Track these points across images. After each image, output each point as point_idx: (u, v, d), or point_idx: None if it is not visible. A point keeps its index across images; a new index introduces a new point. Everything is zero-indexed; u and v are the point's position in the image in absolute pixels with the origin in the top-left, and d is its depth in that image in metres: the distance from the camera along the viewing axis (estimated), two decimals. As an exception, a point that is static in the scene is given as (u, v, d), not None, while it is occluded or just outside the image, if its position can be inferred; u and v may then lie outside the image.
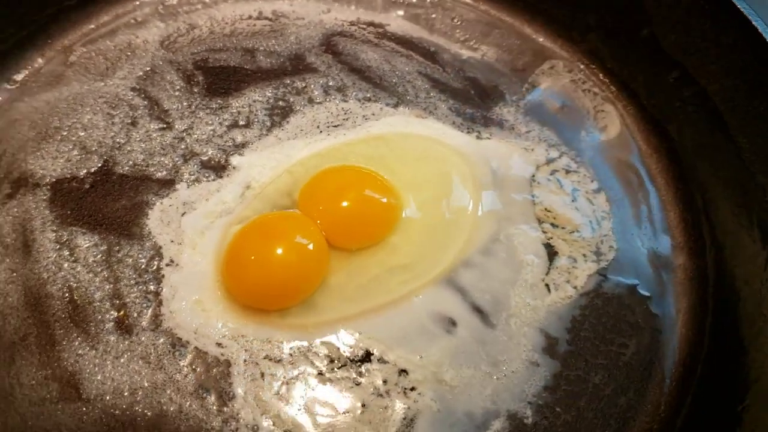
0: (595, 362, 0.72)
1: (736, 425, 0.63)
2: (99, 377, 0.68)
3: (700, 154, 0.82)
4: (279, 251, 0.73)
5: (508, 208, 0.82)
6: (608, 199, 0.83)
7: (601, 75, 0.94)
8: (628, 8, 0.89)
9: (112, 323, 0.71)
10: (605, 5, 0.92)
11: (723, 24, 0.79)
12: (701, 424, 0.67)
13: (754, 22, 0.76)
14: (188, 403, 0.67)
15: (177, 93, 0.88)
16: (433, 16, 1.00)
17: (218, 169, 0.82)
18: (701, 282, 0.77)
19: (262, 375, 0.69)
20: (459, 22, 1.00)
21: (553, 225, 0.81)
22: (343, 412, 0.68)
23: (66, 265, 0.74)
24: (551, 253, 0.79)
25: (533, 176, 0.85)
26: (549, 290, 0.76)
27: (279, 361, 0.70)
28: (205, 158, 0.83)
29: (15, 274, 0.74)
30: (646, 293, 0.77)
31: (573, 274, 0.78)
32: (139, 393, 0.68)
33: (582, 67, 0.95)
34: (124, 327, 0.71)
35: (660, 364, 0.73)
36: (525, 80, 0.94)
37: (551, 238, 0.80)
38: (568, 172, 0.85)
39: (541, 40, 0.98)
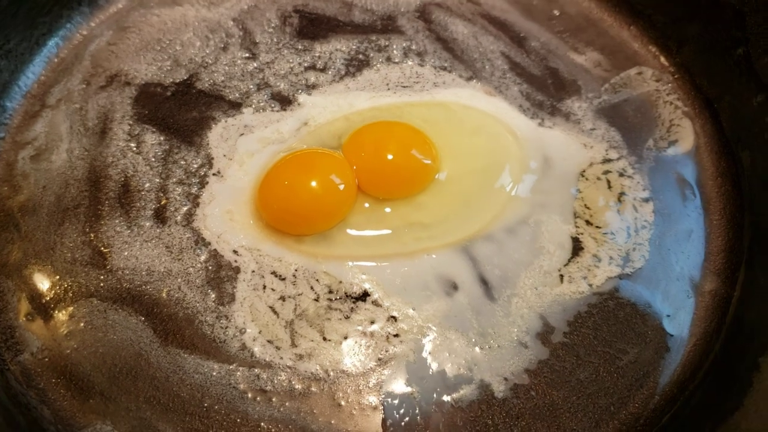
0: (586, 359, 0.71)
1: None
2: (125, 254, 0.76)
3: (765, 187, 0.77)
4: (309, 182, 0.77)
5: (547, 196, 0.82)
6: (654, 211, 0.81)
7: (687, 89, 0.90)
8: (729, 24, 0.85)
9: (152, 211, 0.79)
10: (708, 18, 0.88)
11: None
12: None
13: None
14: (192, 295, 0.73)
15: (270, 30, 0.95)
16: (534, 2, 1.00)
17: (284, 102, 0.88)
18: (723, 312, 0.73)
19: (264, 287, 0.74)
20: (558, 14, 0.99)
21: (587, 222, 0.80)
22: (326, 339, 0.71)
23: (130, 154, 0.83)
24: (577, 247, 0.78)
25: (583, 172, 0.83)
26: (562, 281, 0.75)
27: (283, 279, 0.74)
28: (276, 90, 0.89)
29: (87, 152, 0.83)
30: (664, 310, 0.73)
31: (592, 273, 0.76)
32: (154, 275, 0.75)
33: (670, 78, 0.92)
34: (161, 217, 0.78)
35: (655, 380, 0.70)
36: (607, 81, 0.92)
37: (582, 233, 0.79)
38: (621, 175, 0.83)
39: (636, 45, 0.96)
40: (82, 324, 0.71)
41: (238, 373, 0.69)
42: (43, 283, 0.74)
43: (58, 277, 0.74)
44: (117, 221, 0.78)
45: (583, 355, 0.71)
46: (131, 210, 0.79)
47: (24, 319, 0.72)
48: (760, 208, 0.78)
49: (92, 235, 0.77)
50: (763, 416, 0.61)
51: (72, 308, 0.72)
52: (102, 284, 0.74)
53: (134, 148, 0.83)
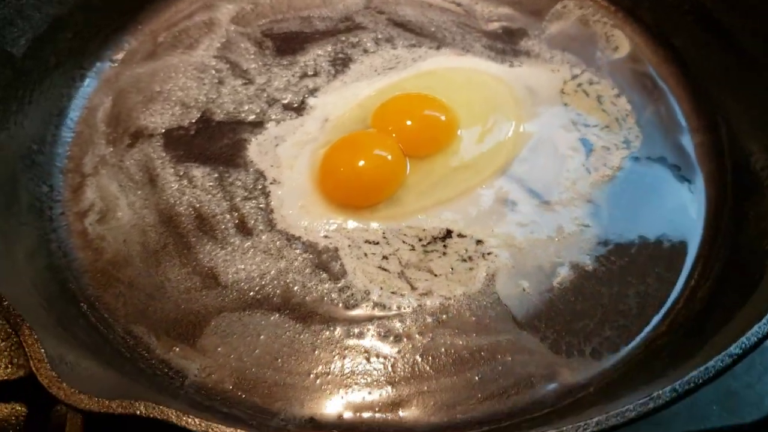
0: (637, 219, 0.87)
1: (758, 237, 0.78)
2: (232, 269, 0.83)
3: (704, 55, 0.98)
4: (366, 158, 0.89)
5: (545, 116, 0.98)
6: (629, 101, 0.99)
7: (608, 6, 1.11)
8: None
9: (234, 229, 0.87)
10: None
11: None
12: (733, 247, 0.82)
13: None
14: (309, 281, 0.82)
15: (252, 56, 1.05)
16: (457, -23, 1.17)
17: (298, 109, 0.98)
18: (718, 151, 0.92)
19: (365, 254, 0.84)
20: (480, -19, 1.16)
21: (585, 125, 0.97)
22: (437, 275, 0.83)
23: (187, 191, 0.90)
24: (587, 145, 0.94)
25: (562, 89, 1.01)
26: (590, 173, 0.92)
27: (377, 243, 0.85)
28: (285, 102, 0.99)
29: (147, 201, 0.89)
30: (674, 164, 0.92)
31: (609, 159, 0.93)
32: (267, 277, 0.83)
33: (589, 2, 1.12)
34: (245, 231, 0.86)
35: (693, 213, 0.88)
36: (543, 19, 1.10)
37: (585, 134, 0.96)
38: (591, 84, 1.01)
39: (552, -15, 1.15)
40: (225, 336, 0.78)
41: (379, 324, 0.79)
42: (170, 317, 0.80)
43: (182, 306, 0.81)
44: (208, 247, 0.85)
45: (632, 217, 0.87)
46: (215, 234, 0.86)
47: (172, 351, 0.77)
48: (703, 69, 0.99)
49: (192, 264, 0.84)
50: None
51: (210, 326, 0.79)
52: (225, 299, 0.81)
53: (188, 185, 0.91)
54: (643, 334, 0.78)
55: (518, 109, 0.98)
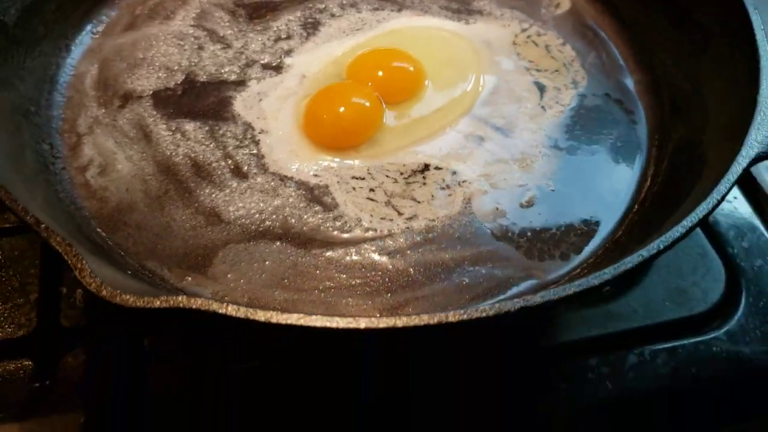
0: (590, 147, 0.99)
1: (698, 144, 0.91)
2: (233, 207, 0.91)
3: (636, 4, 1.12)
4: (346, 103, 0.98)
5: (501, 64, 1.09)
6: (573, 48, 1.12)
7: (547, -31, 1.23)
8: None
9: (230, 173, 0.94)
10: None
11: None
12: (679, 155, 0.95)
13: None
14: (305, 213, 0.90)
15: (227, 24, 1.13)
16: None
17: (277, 68, 1.06)
18: (654, 85, 1.05)
19: (353, 188, 0.93)
20: (430, -49, 1.27)
21: (537, 70, 1.08)
22: (420, 202, 0.92)
23: (181, 143, 0.97)
24: (540, 87, 1.06)
25: (514, 41, 1.12)
26: (545, 110, 1.03)
27: (363, 178, 0.94)
28: (264, 62, 1.07)
29: (144, 154, 0.96)
30: (618, 99, 1.05)
31: (560, 97, 1.05)
32: (266, 212, 0.90)
33: (531, -34, 1.24)
34: (241, 174, 0.94)
35: (638, 137, 1.00)
36: (491, -17, 1.22)
37: (538, 78, 1.07)
38: (539, 35, 1.13)
39: (495, -46, 1.27)
40: (233, 264, 0.85)
41: (373, 245, 0.87)
42: (179, 252, 0.87)
43: (190, 242, 0.87)
44: (207, 190, 0.92)
45: (587, 144, 0.99)
46: (213, 179, 0.93)
47: (185, 281, 0.84)
48: (636, 18, 1.12)
49: (194, 206, 0.91)
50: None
51: (218, 257, 0.86)
52: (229, 233, 0.88)
53: (181, 138, 0.97)
54: (601, 236, 0.89)
55: (477, 59, 1.09)
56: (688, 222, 0.70)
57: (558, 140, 0.99)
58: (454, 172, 0.94)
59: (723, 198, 0.72)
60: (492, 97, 1.04)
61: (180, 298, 0.62)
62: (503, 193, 0.93)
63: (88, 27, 1.10)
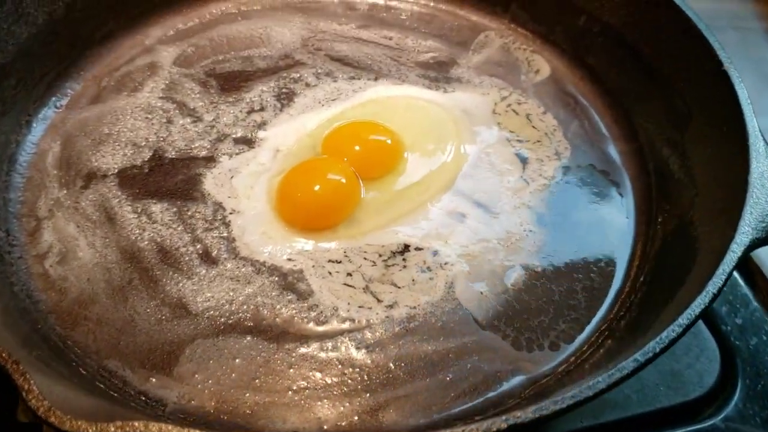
0: (576, 221, 0.95)
1: (688, 224, 0.87)
2: (201, 297, 0.85)
3: (616, 70, 1.09)
4: (322, 182, 0.94)
5: (482, 134, 1.06)
6: (555, 117, 1.08)
7: (525, 34, 1.21)
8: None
9: (199, 260, 0.89)
10: (517, -20, 1.19)
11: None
12: (667, 234, 0.91)
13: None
14: (278, 302, 0.85)
15: (198, 95, 1.08)
16: (384, 15, 1.25)
17: (249, 142, 1.02)
18: (639, 156, 1.02)
19: (329, 273, 0.88)
20: (405, 16, 1.25)
21: (518, 141, 1.05)
22: (400, 287, 0.87)
23: (147, 226, 0.92)
24: (523, 159, 1.02)
25: (494, 110, 1.09)
26: (528, 184, 0.99)
27: (339, 261, 0.89)
28: (236, 136, 1.03)
29: (107, 239, 0.90)
30: (602, 170, 1.01)
31: (543, 170, 1.01)
32: (236, 303, 0.85)
33: (509, 32, 1.22)
34: (210, 261, 0.89)
35: (625, 211, 0.97)
36: (469, 49, 1.19)
37: (519, 150, 1.04)
38: (519, 104, 1.10)
39: (473, 18, 1.25)
40: (201, 362, 0.80)
41: (351, 337, 0.82)
42: (143, 349, 0.81)
43: (155, 338, 0.82)
44: (174, 278, 0.87)
45: (571, 219, 0.95)
46: (180, 265, 0.88)
47: (149, 383, 0.79)
48: (617, 84, 1.09)
49: (160, 297, 0.85)
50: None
51: (185, 354, 0.80)
52: (197, 327, 0.83)
53: (147, 221, 0.92)
54: (593, 324, 0.85)
55: (457, 129, 1.06)
56: (684, 320, 0.66)
57: (543, 215, 0.95)
58: (436, 253, 0.90)
59: (719, 291, 0.68)
60: (473, 171, 1.00)
61: (137, 424, 0.57)
62: (487, 276, 0.89)
63: (52, 101, 1.06)
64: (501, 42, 1.21)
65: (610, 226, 0.95)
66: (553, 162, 1.02)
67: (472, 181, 0.99)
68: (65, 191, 0.95)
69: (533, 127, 1.07)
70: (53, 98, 1.06)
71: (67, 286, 0.85)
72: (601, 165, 1.02)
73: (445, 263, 0.89)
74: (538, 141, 1.05)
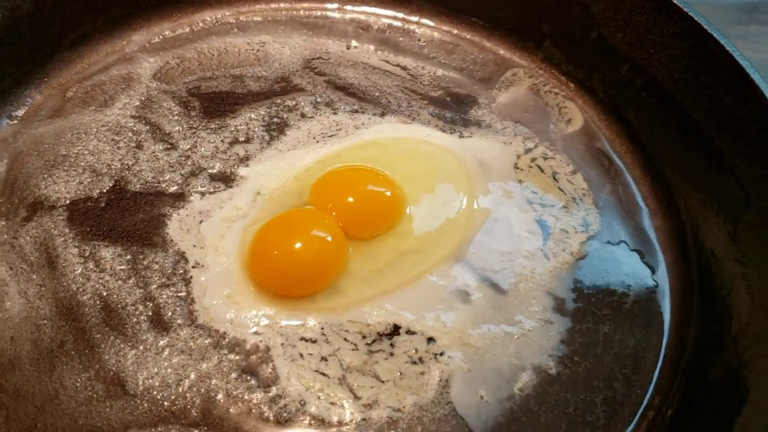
0: (601, 314, 0.79)
1: (731, 343, 0.71)
2: (144, 373, 0.70)
3: (658, 132, 0.93)
4: (303, 241, 0.78)
5: (499, 192, 0.90)
6: (585, 179, 0.93)
7: (558, 77, 1.05)
8: (576, 15, 1.00)
9: (148, 323, 0.74)
10: (556, 15, 1.03)
11: (664, 17, 0.91)
12: (705, 348, 0.75)
13: (690, 13, 0.88)
14: (234, 388, 0.70)
15: (176, 117, 0.93)
16: (400, 39, 1.09)
17: (227, 180, 0.87)
18: (680, 238, 0.86)
19: (301, 355, 0.73)
20: (424, 42, 1.09)
21: (541, 204, 0.89)
22: (383, 381, 0.72)
23: (93, 275, 0.77)
24: (545, 227, 0.87)
25: (516, 164, 0.93)
26: (548, 259, 0.84)
27: (314, 341, 0.74)
28: (213, 171, 0.87)
29: (43, 288, 0.76)
30: (636, 249, 0.85)
31: (567, 243, 0.86)
32: (185, 384, 0.70)
33: (541, 71, 1.06)
34: (161, 325, 0.74)
35: (658, 307, 0.81)
36: (493, 87, 1.04)
37: (542, 215, 0.88)
38: (545, 158, 0.94)
39: (501, 52, 1.09)
40: (132, 460, 0.65)
41: (318, 443, 0.67)
42: (64, 435, 0.66)
43: (80, 422, 0.67)
44: (116, 345, 0.72)
45: (597, 311, 0.80)
46: (125, 329, 0.74)
47: (63, 480, 0.64)
48: (658, 149, 0.93)
49: (95, 367, 0.71)
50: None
51: (113, 449, 0.65)
52: (134, 412, 0.68)
53: (94, 268, 0.78)
54: (614, 450, 0.69)
55: (470, 184, 0.90)
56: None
57: (563, 301, 0.80)
58: (431, 339, 0.74)
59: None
60: (485, 238, 0.84)
61: None
62: (491, 376, 0.73)
63: (5, 110, 0.91)
64: (530, 83, 1.05)
65: (641, 324, 0.79)
66: (579, 235, 0.86)
67: (482, 251, 0.83)
68: (3, 222, 0.80)
69: (560, 188, 0.91)
70: (7, 107, 0.92)
71: (-14, 344, 0.70)
72: (634, 243, 0.86)
73: (441, 354, 0.74)
74: (565, 207, 0.89)
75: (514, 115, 1.00)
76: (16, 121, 0.91)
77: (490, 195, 0.90)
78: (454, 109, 1.00)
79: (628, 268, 0.85)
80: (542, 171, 0.93)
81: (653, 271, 0.84)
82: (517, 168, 0.93)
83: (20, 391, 0.68)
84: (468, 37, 1.11)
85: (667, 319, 0.81)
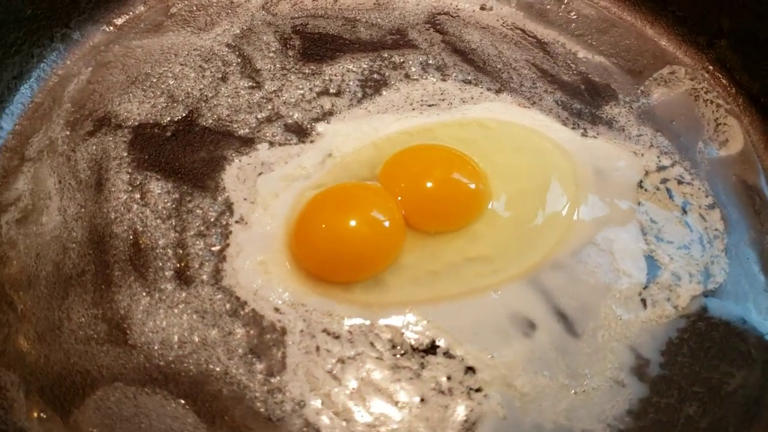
0: (690, 390, 0.63)
1: None
2: (150, 325, 0.65)
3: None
4: (353, 221, 0.68)
5: (610, 212, 0.74)
6: (723, 218, 0.74)
7: (727, 85, 0.85)
8: (764, 12, 0.79)
9: (172, 272, 0.68)
10: (742, 7, 0.82)
11: None
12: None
13: None
14: (236, 367, 0.63)
15: (271, 54, 0.85)
16: (548, 7, 0.93)
17: (302, 133, 0.78)
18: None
19: (317, 349, 0.64)
20: (575, 17, 0.93)
21: (657, 237, 0.72)
22: (399, 404, 0.61)
23: (135, 207, 0.72)
24: (653, 266, 0.70)
25: (641, 182, 0.76)
26: (645, 306, 0.68)
27: (338, 337, 0.64)
28: (290, 121, 0.79)
29: (83, 209, 0.71)
30: (762, 325, 0.67)
31: (675, 293, 0.69)
32: (188, 347, 0.64)
33: (706, 75, 0.87)
34: (184, 277, 0.67)
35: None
36: (641, 83, 0.86)
37: (654, 251, 0.71)
38: (680, 183, 0.77)
39: (663, 43, 0.90)
40: (108, 416, 0.60)
41: (304, 455, 0.58)
42: (53, 371, 0.62)
43: (72, 360, 0.63)
44: (133, 287, 0.67)
45: (686, 386, 0.63)
46: (147, 272, 0.68)
47: (37, 418, 0.59)
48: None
49: (105, 306, 0.66)
50: None
51: (94, 398, 0.61)
52: (127, 364, 0.62)
53: (139, 200, 0.72)
54: None
55: (576, 194, 0.75)
56: None
57: (647, 363, 0.65)
58: (470, 370, 0.62)
59: None
60: (573, 261, 0.70)
61: None
62: (528, 430, 0.60)
63: (104, 16, 0.87)
64: (690, 86, 0.86)
65: (740, 417, 0.62)
66: (694, 286, 0.69)
67: (564, 277, 0.69)
68: (68, 132, 0.77)
69: (687, 223, 0.74)
70: (109, 14, 0.88)
71: (11, 255, 0.69)
72: (759, 314, 0.68)
73: (477, 390, 0.62)
74: (687, 247, 0.72)
75: (658, 122, 0.83)
76: (113, 29, 0.88)
77: (598, 212, 0.74)
78: (585, 101, 0.84)
79: (748, 344, 0.67)
80: (671, 197, 0.76)
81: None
82: (641, 187, 0.76)
83: (27, 313, 0.66)
84: (629, 19, 0.93)
85: (776, 420, 0.62)
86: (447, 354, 0.64)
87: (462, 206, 0.71)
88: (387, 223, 0.68)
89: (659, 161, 0.79)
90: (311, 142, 0.78)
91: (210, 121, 0.79)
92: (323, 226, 0.68)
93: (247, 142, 0.77)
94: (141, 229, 0.71)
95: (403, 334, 0.65)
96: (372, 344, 0.64)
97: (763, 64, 0.82)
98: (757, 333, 0.68)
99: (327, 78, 0.84)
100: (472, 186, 0.72)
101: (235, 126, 0.79)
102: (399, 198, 0.70)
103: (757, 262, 0.72)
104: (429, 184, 0.72)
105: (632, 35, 0.91)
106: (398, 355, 0.64)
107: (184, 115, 0.79)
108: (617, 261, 0.71)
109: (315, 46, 0.87)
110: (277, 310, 0.66)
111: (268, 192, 0.74)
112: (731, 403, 0.63)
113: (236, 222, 0.71)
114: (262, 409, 0.61)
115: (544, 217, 0.73)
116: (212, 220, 0.71)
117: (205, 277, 0.68)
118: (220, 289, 0.67)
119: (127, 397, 0.61)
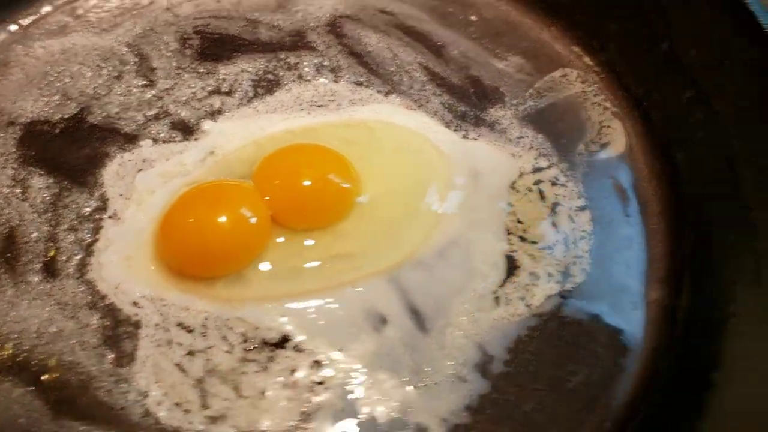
0: (531, 388, 0.65)
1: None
2: (12, 314, 0.68)
3: (702, 187, 0.73)
4: (216, 217, 0.70)
5: (477, 212, 0.76)
6: (592, 220, 0.76)
7: (615, 90, 0.86)
8: (651, 19, 0.81)
9: (41, 264, 0.70)
10: (629, 14, 0.84)
11: (745, 39, 0.69)
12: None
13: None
14: (87, 357, 0.65)
15: (169, 54, 0.88)
16: (450, 9, 0.95)
17: (187, 131, 0.80)
18: (672, 323, 0.68)
19: (169, 342, 0.66)
20: (476, 19, 0.94)
21: (521, 238, 0.74)
22: (240, 396, 0.63)
23: (15, 201, 0.74)
24: (512, 266, 0.71)
25: (513, 183, 0.78)
26: (498, 304, 0.69)
27: (191, 330, 0.66)
28: (176, 119, 0.81)
29: (-37, 203, 0.73)
30: (612, 325, 0.68)
31: (530, 292, 0.70)
32: (44, 337, 0.66)
33: (597, 78, 0.88)
34: (51, 270, 0.69)
35: (606, 401, 0.64)
36: (531, 85, 0.87)
37: (516, 250, 0.73)
38: (554, 184, 0.78)
39: (558, 46, 0.91)
40: (-43, 401, 0.62)
41: (141, 444, 0.60)
42: None
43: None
44: (1, 279, 0.69)
45: (527, 384, 0.65)
46: (17, 265, 0.70)
47: None
48: (698, 211, 0.73)
49: (-30, 298, 0.68)
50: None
51: (-56, 383, 0.62)
52: (-18, 354, 0.64)
53: (19, 195, 0.75)
54: None
55: (445, 195, 0.76)
56: None
57: (491, 360, 0.66)
58: (316, 364, 0.64)
59: None
60: (433, 260, 0.72)
61: None
62: (365, 424, 0.62)
63: (15, 16, 0.90)
64: (580, 89, 0.88)
65: (578, 411, 0.63)
66: (551, 285, 0.71)
67: (424, 275, 0.71)
68: (-42, 127, 0.79)
69: (554, 224, 0.75)
70: (17, 13, 0.90)
71: None
72: (615, 317, 0.70)
73: (319, 383, 0.64)
74: (549, 248, 0.73)
75: (542, 124, 0.84)
76: (18, 29, 0.89)
77: (466, 213, 0.76)
78: (472, 103, 0.85)
79: (595, 342, 0.68)
80: (542, 198, 0.77)
81: (623, 354, 0.67)
82: (514, 188, 0.78)
83: None
84: (527, 22, 0.94)
85: (609, 420, 0.64)
86: (296, 348, 0.66)
87: (328, 204, 0.73)
88: (252, 220, 0.70)
89: (536, 163, 0.80)
90: (195, 139, 0.80)
91: (99, 118, 0.81)
92: (187, 220, 0.70)
93: (132, 139, 0.80)
94: (17, 223, 0.73)
95: (257, 328, 0.67)
96: (224, 338, 0.66)
97: (647, 68, 0.83)
98: (608, 333, 0.69)
99: (221, 77, 0.86)
100: (341, 185, 0.74)
101: (122, 123, 0.81)
102: (268, 196, 0.72)
103: (617, 263, 0.73)
104: (296, 183, 0.73)
105: (530, 39, 0.93)
106: (248, 349, 0.66)
107: (74, 112, 0.82)
108: (476, 261, 0.73)
109: (213, 46, 0.89)
110: (135, 304, 0.68)
111: (144, 188, 0.76)
112: (570, 400, 0.65)
113: (109, 217, 0.74)
114: (106, 399, 0.63)
115: (412, 217, 0.74)
116: (86, 214, 0.74)
117: (71, 270, 0.70)
118: (84, 283, 0.69)
119: (-22, 384, 0.63)
